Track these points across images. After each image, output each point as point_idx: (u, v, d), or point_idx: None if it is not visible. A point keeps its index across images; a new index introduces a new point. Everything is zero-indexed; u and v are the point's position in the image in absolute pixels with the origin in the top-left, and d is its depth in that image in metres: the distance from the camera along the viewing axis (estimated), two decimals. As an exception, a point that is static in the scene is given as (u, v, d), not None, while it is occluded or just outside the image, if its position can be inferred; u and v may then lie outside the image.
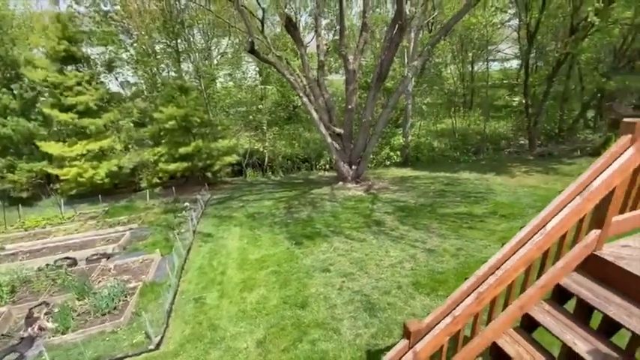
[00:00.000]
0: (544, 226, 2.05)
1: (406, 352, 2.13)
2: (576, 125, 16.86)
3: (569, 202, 2.05)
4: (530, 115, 16.22)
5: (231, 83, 22.82)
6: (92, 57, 15.42)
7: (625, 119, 2.12)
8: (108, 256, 8.85)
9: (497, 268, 2.06)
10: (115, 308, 6.44)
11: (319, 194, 12.74)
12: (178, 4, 15.85)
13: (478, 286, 2.07)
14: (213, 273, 7.79)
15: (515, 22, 19.26)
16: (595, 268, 2.44)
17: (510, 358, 2.35)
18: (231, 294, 6.82)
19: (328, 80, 24.04)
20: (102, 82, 15.41)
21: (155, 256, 8.68)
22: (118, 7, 15.25)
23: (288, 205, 11.76)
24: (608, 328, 2.24)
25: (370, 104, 11.63)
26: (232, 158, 15.62)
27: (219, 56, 22.82)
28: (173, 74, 17.49)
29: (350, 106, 12.31)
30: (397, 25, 9.63)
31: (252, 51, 9.35)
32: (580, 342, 2.18)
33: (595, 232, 2.39)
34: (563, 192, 2.11)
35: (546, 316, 2.41)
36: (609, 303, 2.24)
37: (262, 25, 10.03)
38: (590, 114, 18.76)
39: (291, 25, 11.28)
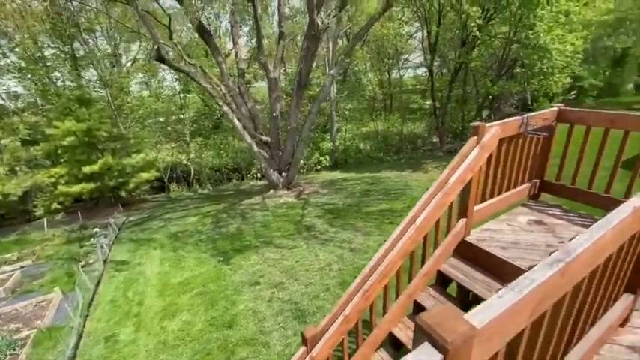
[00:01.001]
0: (415, 221, 2.28)
1: (304, 359, 2.16)
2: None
3: (434, 198, 2.32)
4: (438, 116, 18.21)
5: (146, 92, 21.02)
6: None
7: (472, 123, 2.49)
8: (-12, 305, 7.32)
9: (379, 265, 2.23)
10: (-3, 367, 5.35)
11: (249, 205, 12.41)
12: (71, 5, 14.03)
13: (364, 284, 2.21)
14: (129, 305, 7.00)
15: (421, 34, 21.50)
16: (466, 251, 2.80)
17: (404, 345, 2.55)
18: (149, 325, 6.20)
19: (256, 87, 23.75)
20: (-27, 95, 12.82)
21: (54, 295, 7.48)
22: (-11, 6, 12.87)
23: (216, 220, 11.20)
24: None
25: (294, 111, 11.78)
26: (150, 174, 14.32)
27: (130, 63, 20.89)
28: (71, 83, 15.39)
29: (275, 114, 12.30)
30: (311, 35, 9.96)
31: (159, 59, 8.71)
32: (456, 320, 2.46)
33: (462, 221, 2.74)
34: (429, 189, 2.38)
35: (431, 300, 2.68)
36: (476, 281, 2.59)
37: (170, 32, 9.43)
38: (486, 113, 21.88)
39: (204, 32, 10.83)
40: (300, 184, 14.60)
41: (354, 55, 22.30)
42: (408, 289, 2.63)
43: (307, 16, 17.98)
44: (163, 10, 8.70)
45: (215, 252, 8.74)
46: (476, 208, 2.80)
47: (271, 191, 13.25)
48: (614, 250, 1.19)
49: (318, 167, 18.38)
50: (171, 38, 9.63)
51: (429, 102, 21.55)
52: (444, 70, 22.11)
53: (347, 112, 20.12)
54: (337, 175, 16.73)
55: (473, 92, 20.42)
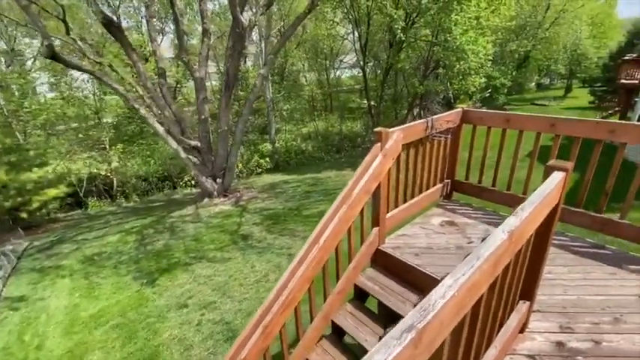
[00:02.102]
0: (319, 240, 2.05)
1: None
2: (407, 121, 20.55)
3: (338, 213, 2.12)
4: (373, 115, 18.81)
5: (52, 94, 18.25)
6: None
7: (375, 129, 2.35)
8: None
9: (280, 295, 1.95)
10: None
11: (181, 216, 11.40)
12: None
13: (264, 319, 1.91)
14: (25, 351, 5.84)
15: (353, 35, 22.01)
16: (382, 261, 2.68)
17: (321, 373, 2.32)
18: (49, 374, 5.20)
19: (188, 87, 22.08)
20: None
21: None
22: None
23: (141, 236, 10.05)
24: (397, 318, 2.44)
25: (223, 113, 11.08)
26: (59, 190, 12.39)
27: (31, 61, 17.94)
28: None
29: (203, 116, 11.46)
30: (236, 33, 9.42)
31: (51, 56, 7.39)
32: (371, 337, 2.31)
33: (375, 230, 2.61)
34: (333, 203, 2.18)
35: (348, 318, 2.50)
36: (392, 293, 2.46)
37: (66, 26, 8.04)
38: (417, 111, 23.28)
39: (113, 27, 9.59)
40: (238, 189, 13.90)
41: (290, 55, 22.09)
42: (323, 310, 2.41)
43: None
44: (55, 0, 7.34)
45: (138, 274, 7.77)
46: (389, 214, 2.69)
47: (206, 199, 12.37)
48: (492, 280, 1.06)
49: (259, 170, 17.75)
50: (68, 33, 8.24)
51: (366, 101, 22.27)
52: (379, 71, 23.00)
53: (284, 113, 19.75)
54: (278, 177, 16.32)
55: (404, 92, 21.56)
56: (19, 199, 11.55)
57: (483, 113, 2.98)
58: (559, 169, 1.42)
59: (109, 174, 15.49)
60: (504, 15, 17.22)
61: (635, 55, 16.33)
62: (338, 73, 29.70)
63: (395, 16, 12.15)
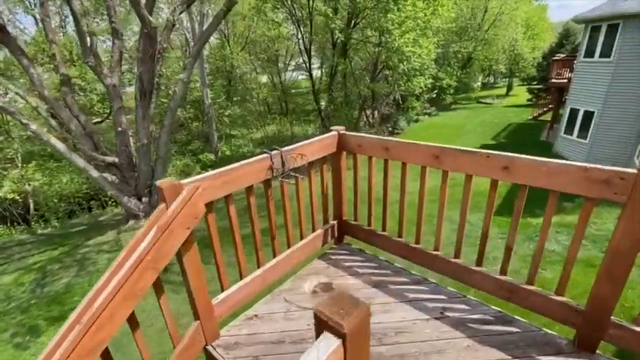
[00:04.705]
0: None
1: None
2: (359, 123, 20.18)
3: (66, 341, 1.25)
4: (323, 118, 18.19)
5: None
6: None
7: (157, 182, 1.51)
8: None
9: None
10: None
11: (98, 244, 9.92)
12: None
13: None
14: None
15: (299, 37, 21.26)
16: (213, 366, 1.84)
17: None
18: None
19: (125, 93, 20.01)
20: None
21: None
22: None
23: (42, 274, 8.48)
24: None
25: (142, 125, 9.74)
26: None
27: None
28: None
29: (120, 128, 10.04)
30: (144, 34, 8.21)
31: None
32: None
33: (195, 326, 1.77)
34: (62, 327, 1.31)
35: None
36: None
37: None
38: (369, 112, 23.05)
39: (-7, 27, 7.97)
40: (173, 207, 12.57)
41: (234, 57, 20.87)
42: None
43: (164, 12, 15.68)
44: None
45: (21, 328, 6.34)
46: (221, 296, 1.89)
47: (131, 222, 10.94)
48: None
49: (202, 182, 16.38)
50: None
51: (323, 103, 21.61)
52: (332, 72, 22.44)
53: (226, 119, 18.52)
54: (223, 189, 15.12)
55: (355, 93, 21.22)
56: None
57: (361, 139, 2.27)
58: (332, 330, 0.66)
59: (17, 196, 13.33)
60: (445, 17, 17.38)
61: (563, 55, 17.21)
62: (293, 74, 28.84)
63: (331, 16, 11.54)
